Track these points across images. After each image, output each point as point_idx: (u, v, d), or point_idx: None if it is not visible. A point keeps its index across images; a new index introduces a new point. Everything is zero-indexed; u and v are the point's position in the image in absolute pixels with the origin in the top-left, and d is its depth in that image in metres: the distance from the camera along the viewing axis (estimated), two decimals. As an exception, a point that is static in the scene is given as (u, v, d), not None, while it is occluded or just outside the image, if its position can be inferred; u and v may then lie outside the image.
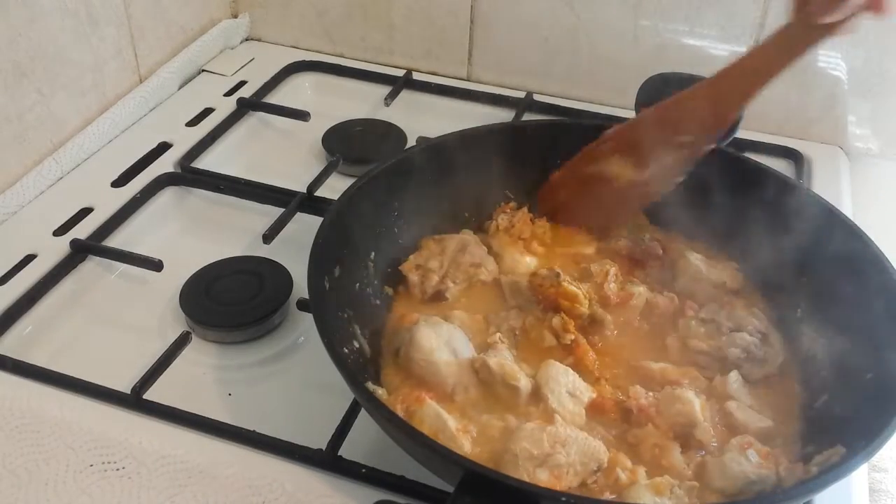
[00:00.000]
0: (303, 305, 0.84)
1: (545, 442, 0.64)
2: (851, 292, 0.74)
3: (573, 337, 0.76)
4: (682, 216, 0.85)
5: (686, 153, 0.82)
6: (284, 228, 0.92)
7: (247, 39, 1.33)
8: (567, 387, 0.71)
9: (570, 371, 0.72)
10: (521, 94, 1.18)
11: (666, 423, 0.69)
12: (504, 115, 1.15)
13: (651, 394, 0.71)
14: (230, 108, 1.14)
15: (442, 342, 0.73)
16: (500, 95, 1.19)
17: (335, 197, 0.80)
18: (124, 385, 0.75)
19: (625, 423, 0.70)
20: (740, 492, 0.64)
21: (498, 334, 0.76)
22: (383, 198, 0.83)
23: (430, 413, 0.67)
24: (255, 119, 1.15)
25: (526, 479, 0.62)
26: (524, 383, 0.71)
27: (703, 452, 0.68)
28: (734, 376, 0.74)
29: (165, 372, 0.76)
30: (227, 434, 0.72)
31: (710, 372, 0.75)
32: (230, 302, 0.84)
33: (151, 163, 1.04)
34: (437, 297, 0.82)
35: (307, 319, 0.84)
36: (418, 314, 0.78)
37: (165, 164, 1.04)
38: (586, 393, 0.71)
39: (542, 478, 0.63)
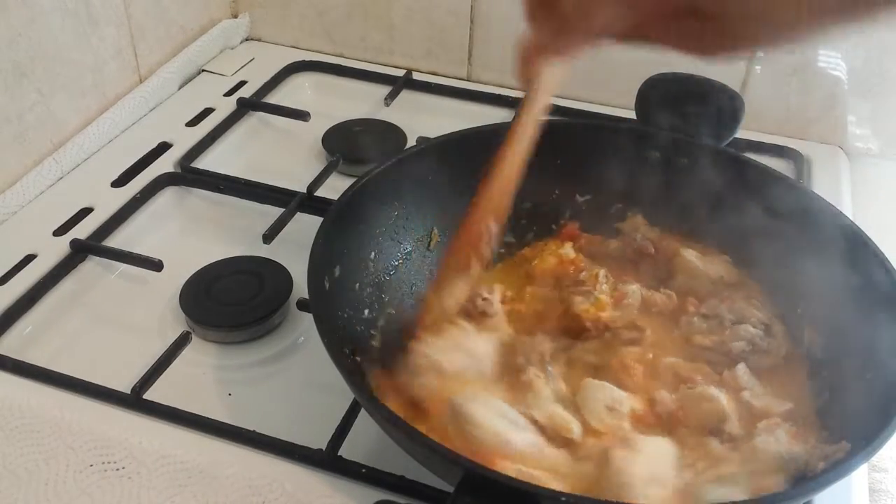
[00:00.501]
0: (303, 305, 0.84)
1: None
2: (851, 292, 0.74)
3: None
4: (678, 215, 0.85)
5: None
6: (284, 228, 0.92)
7: (247, 39, 1.33)
8: (605, 401, 0.69)
9: (606, 384, 0.70)
10: (522, 94, 1.18)
11: (696, 423, 0.69)
12: (504, 115, 1.15)
13: (673, 396, 0.71)
14: (230, 108, 1.14)
15: (493, 413, 0.67)
16: (500, 95, 1.19)
17: (335, 197, 0.80)
18: (124, 385, 0.75)
19: (664, 429, 0.69)
20: (775, 473, 0.64)
21: (532, 369, 0.72)
22: (383, 198, 0.83)
23: None
24: (255, 119, 1.15)
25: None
26: (577, 431, 0.67)
27: (733, 443, 0.68)
28: (742, 368, 0.73)
29: (165, 372, 0.76)
30: (227, 434, 0.72)
31: (717, 367, 0.75)
32: (230, 302, 0.84)
33: (151, 163, 1.04)
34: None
35: (307, 319, 0.84)
36: (449, 395, 0.69)
37: (165, 164, 1.04)
38: (626, 403, 0.69)
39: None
